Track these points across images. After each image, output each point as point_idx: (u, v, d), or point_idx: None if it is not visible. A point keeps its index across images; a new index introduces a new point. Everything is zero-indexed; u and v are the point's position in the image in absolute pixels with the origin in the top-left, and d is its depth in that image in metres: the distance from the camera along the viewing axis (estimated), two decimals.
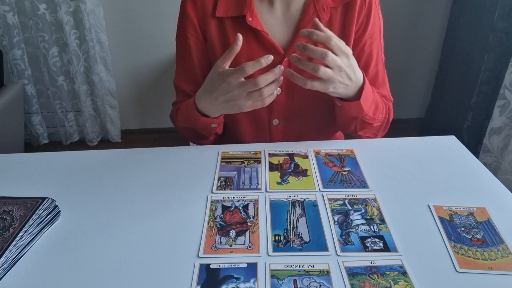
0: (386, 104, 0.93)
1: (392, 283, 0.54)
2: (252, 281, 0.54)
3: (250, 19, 0.83)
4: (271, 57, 0.71)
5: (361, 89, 0.79)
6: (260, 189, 0.72)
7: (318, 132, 0.94)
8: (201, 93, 0.81)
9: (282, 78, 0.73)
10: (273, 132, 0.94)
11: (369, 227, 0.63)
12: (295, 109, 0.91)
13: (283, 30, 0.87)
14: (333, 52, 0.71)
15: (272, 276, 0.55)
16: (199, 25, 0.88)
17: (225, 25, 0.86)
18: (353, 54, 0.89)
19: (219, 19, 0.86)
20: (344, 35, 0.87)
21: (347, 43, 0.87)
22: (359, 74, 0.78)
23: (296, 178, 0.75)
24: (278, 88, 0.88)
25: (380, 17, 0.91)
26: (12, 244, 0.58)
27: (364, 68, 0.91)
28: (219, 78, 0.74)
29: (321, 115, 0.92)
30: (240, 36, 0.73)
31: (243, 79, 0.72)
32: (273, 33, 0.87)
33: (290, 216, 0.66)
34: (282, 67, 0.72)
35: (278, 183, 0.74)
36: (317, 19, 0.73)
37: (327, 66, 0.71)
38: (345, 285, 0.54)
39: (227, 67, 0.76)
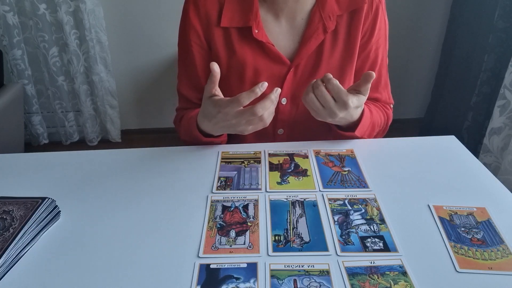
0: (385, 114, 0.93)
1: (392, 283, 0.54)
2: (252, 281, 0.54)
3: (257, 31, 0.82)
4: (266, 84, 0.70)
5: (357, 122, 0.80)
6: (260, 189, 0.72)
7: (322, 140, 0.94)
8: (201, 117, 0.80)
9: (278, 93, 0.73)
10: (277, 140, 0.94)
11: (369, 227, 0.63)
12: (300, 118, 0.90)
13: (288, 39, 0.86)
14: (331, 95, 0.72)
15: (272, 276, 0.55)
16: (203, 34, 0.87)
17: (230, 34, 0.85)
18: (358, 59, 0.89)
19: (224, 28, 0.85)
20: (349, 42, 0.86)
21: (353, 50, 0.86)
22: (357, 114, 0.78)
23: (296, 178, 0.75)
24: (284, 98, 0.88)
25: (386, 21, 0.90)
26: (12, 244, 0.58)
27: None
28: (215, 108, 0.73)
29: (325, 124, 0.92)
30: (215, 65, 0.72)
31: (240, 108, 0.71)
32: (279, 42, 0.86)
33: (290, 216, 0.66)
34: (279, 90, 0.71)
35: (278, 183, 0.74)
36: (329, 75, 0.72)
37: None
38: (345, 285, 0.54)
39: (217, 92, 0.75)
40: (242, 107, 0.71)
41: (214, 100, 0.74)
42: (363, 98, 0.75)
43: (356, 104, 0.73)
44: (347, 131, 0.84)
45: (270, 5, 0.85)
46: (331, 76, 0.71)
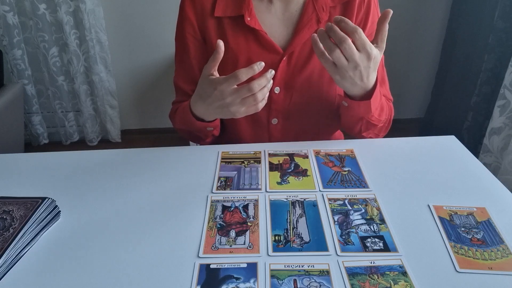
0: (389, 105, 0.93)
1: (392, 283, 0.54)
2: (252, 281, 0.54)
3: (249, 18, 0.84)
4: (263, 64, 0.71)
5: (371, 91, 0.78)
6: (260, 189, 0.72)
7: (317, 131, 0.95)
8: (195, 98, 0.81)
9: (272, 82, 0.73)
10: (272, 131, 0.94)
11: (369, 227, 0.63)
12: (294, 108, 0.91)
13: (282, 29, 0.87)
14: (355, 46, 0.69)
15: (272, 276, 0.55)
16: (198, 26, 0.88)
17: (223, 24, 0.86)
18: None
19: (218, 19, 0.86)
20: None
21: None
22: (372, 78, 0.76)
23: (296, 178, 0.75)
24: (277, 87, 0.88)
25: (380, 15, 0.91)
26: (12, 244, 0.58)
27: None
28: (211, 86, 0.74)
29: (320, 114, 0.92)
30: (221, 42, 0.72)
31: (235, 86, 0.72)
32: (272, 32, 0.87)
33: (290, 216, 0.66)
34: (273, 71, 0.72)
35: (278, 183, 0.74)
36: (345, 19, 0.70)
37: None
38: (345, 285, 0.54)
39: (215, 73, 0.76)
40: (237, 86, 0.72)
41: (210, 78, 0.75)
42: (379, 53, 0.73)
43: (375, 54, 0.71)
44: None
45: None
46: (356, 26, 0.69)
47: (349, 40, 0.68)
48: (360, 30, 0.69)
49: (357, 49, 0.69)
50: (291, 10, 0.87)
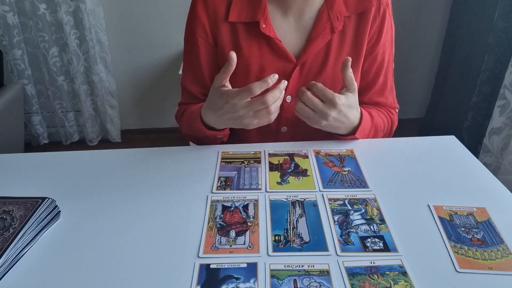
0: (388, 119, 0.93)
1: (392, 283, 0.54)
2: (252, 281, 0.54)
3: (264, 26, 0.82)
4: (276, 76, 0.71)
5: (357, 126, 0.81)
6: (260, 189, 0.72)
7: (325, 138, 0.94)
8: (206, 109, 0.81)
9: (283, 92, 0.74)
10: (280, 138, 0.94)
11: (369, 227, 0.63)
12: None
13: (295, 37, 0.86)
14: (318, 98, 0.74)
15: (272, 276, 0.55)
16: (210, 29, 0.86)
17: (237, 30, 0.85)
18: (365, 62, 0.89)
19: (232, 23, 0.85)
20: (356, 44, 0.86)
21: (360, 51, 0.87)
22: (353, 117, 0.79)
23: (296, 178, 0.75)
24: (289, 96, 0.88)
25: (393, 25, 0.91)
26: (12, 244, 0.58)
27: (375, 76, 0.91)
28: (222, 99, 0.74)
29: None
30: (233, 54, 0.72)
31: (248, 99, 0.72)
32: (286, 40, 0.86)
33: (290, 216, 0.66)
34: (286, 82, 0.73)
35: (278, 183, 0.74)
36: (312, 82, 0.75)
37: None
38: (345, 285, 0.54)
39: (227, 84, 0.76)
40: (250, 99, 0.72)
41: (222, 90, 0.74)
42: (351, 96, 0.76)
43: (345, 101, 0.74)
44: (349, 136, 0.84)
45: (279, 2, 0.85)
46: (315, 82, 0.74)
47: (308, 92, 0.74)
48: (318, 84, 0.74)
49: (321, 100, 0.74)
50: (306, 17, 0.85)
